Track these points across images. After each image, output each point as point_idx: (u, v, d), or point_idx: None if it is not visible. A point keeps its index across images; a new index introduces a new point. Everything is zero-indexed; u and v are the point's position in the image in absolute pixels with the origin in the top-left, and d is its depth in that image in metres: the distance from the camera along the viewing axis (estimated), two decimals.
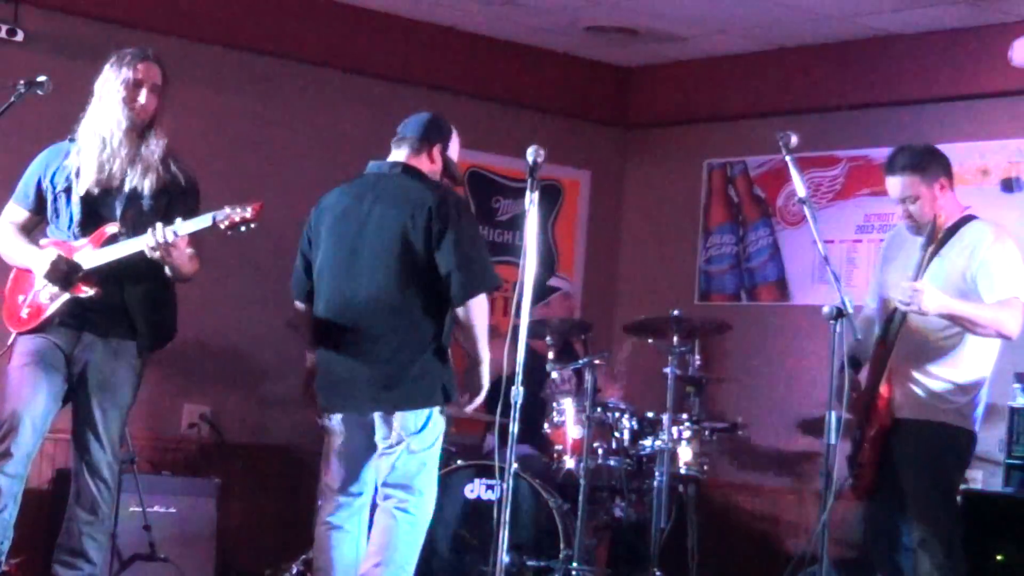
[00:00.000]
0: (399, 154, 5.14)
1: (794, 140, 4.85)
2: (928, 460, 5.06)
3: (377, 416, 4.94)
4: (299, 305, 5.25)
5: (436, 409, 4.96)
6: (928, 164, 5.14)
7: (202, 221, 4.87)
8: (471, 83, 7.94)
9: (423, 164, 5.11)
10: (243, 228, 4.87)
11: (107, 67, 5.06)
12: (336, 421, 5.07)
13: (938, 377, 5.09)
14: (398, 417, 4.90)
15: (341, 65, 7.58)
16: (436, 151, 5.13)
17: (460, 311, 4.90)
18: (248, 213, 4.85)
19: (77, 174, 5.02)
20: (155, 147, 5.03)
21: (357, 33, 7.57)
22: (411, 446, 4.91)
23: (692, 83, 8.26)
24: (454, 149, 5.23)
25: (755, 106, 7.96)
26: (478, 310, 4.89)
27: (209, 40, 7.16)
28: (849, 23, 7.25)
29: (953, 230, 5.13)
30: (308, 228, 5.20)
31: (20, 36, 6.67)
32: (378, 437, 4.96)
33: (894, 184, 5.15)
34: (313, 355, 5.18)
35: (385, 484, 4.96)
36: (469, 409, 5.03)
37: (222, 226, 4.86)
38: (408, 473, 4.93)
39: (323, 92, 7.58)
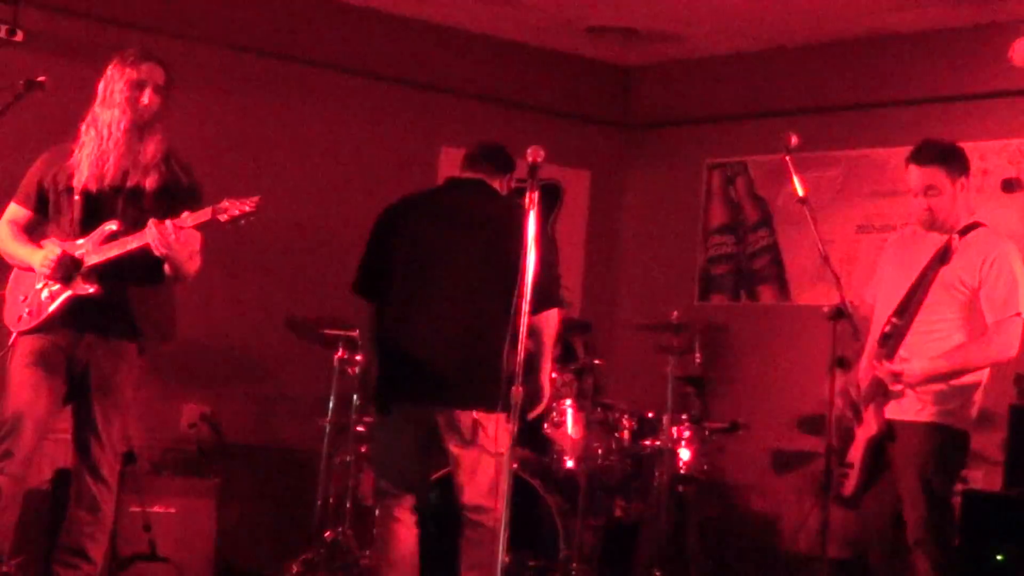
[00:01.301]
0: (475, 174, 5.34)
1: (794, 140, 4.85)
2: (923, 461, 5.06)
3: (449, 414, 5.03)
4: (363, 300, 5.32)
5: (503, 416, 5.01)
6: (956, 160, 5.14)
7: (201, 215, 4.87)
8: (471, 83, 7.94)
9: (497, 187, 5.36)
10: (243, 221, 4.86)
11: (110, 67, 5.06)
12: (397, 416, 5.14)
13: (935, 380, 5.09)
14: (473, 417, 5.01)
15: (341, 65, 7.58)
16: (507, 180, 5.39)
17: (536, 319, 5.00)
18: (248, 206, 4.85)
19: (79, 174, 5.02)
20: (157, 147, 5.04)
21: (357, 33, 7.57)
22: (487, 449, 5.02)
23: (692, 83, 8.26)
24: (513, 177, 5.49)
25: (755, 106, 7.96)
26: (552, 320, 5.10)
27: (209, 40, 7.16)
28: (849, 23, 7.25)
29: (960, 235, 5.11)
30: (381, 230, 5.30)
31: (20, 36, 6.66)
32: (447, 436, 5.05)
33: (920, 174, 5.12)
34: (369, 354, 5.30)
35: (464, 492, 5.08)
36: (531, 416, 5.13)
37: (222, 219, 4.86)
38: (485, 481, 5.05)
39: (323, 92, 7.58)
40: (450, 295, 5.09)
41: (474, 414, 5.01)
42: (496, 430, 5.02)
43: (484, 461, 5.04)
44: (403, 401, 5.14)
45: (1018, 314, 5.04)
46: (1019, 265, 5.10)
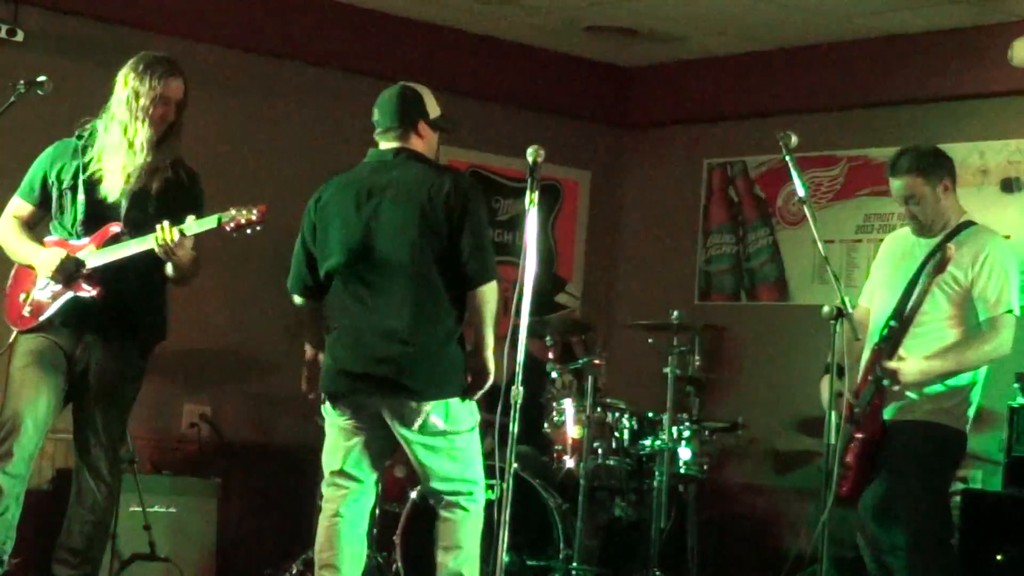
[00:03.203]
0: (391, 142, 5.01)
1: (794, 140, 4.85)
2: (919, 461, 5.06)
3: (399, 405, 4.84)
4: (297, 299, 5.12)
5: (454, 399, 4.87)
6: (932, 166, 5.15)
7: (208, 222, 4.88)
8: (471, 83, 7.93)
9: (417, 145, 5.00)
10: (248, 231, 4.88)
11: (133, 73, 5.00)
12: (344, 407, 4.94)
13: (932, 380, 5.10)
14: (427, 408, 4.82)
15: (341, 65, 7.58)
16: (420, 126, 5.01)
17: (473, 295, 4.85)
18: (254, 215, 4.86)
19: (88, 174, 5.01)
20: (166, 152, 5.03)
21: (357, 33, 7.57)
22: (454, 443, 4.87)
23: (692, 83, 8.26)
24: (432, 105, 5.05)
25: (755, 106, 7.96)
26: (491, 294, 4.85)
27: (209, 40, 7.15)
28: (849, 23, 7.25)
29: (951, 236, 5.13)
30: (309, 220, 5.06)
31: (20, 36, 6.66)
32: (399, 427, 4.86)
33: (898, 185, 5.16)
34: (313, 348, 5.10)
35: (437, 487, 4.91)
36: (475, 396, 4.95)
37: (227, 228, 4.87)
38: (455, 471, 4.90)
39: (323, 92, 7.58)
40: (374, 281, 4.85)
41: (420, 403, 4.80)
42: (445, 412, 4.83)
43: (439, 446, 4.87)
44: (346, 394, 4.92)
45: (1010, 312, 5.05)
46: (1011, 262, 5.11)
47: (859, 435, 5.12)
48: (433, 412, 4.84)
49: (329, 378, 4.98)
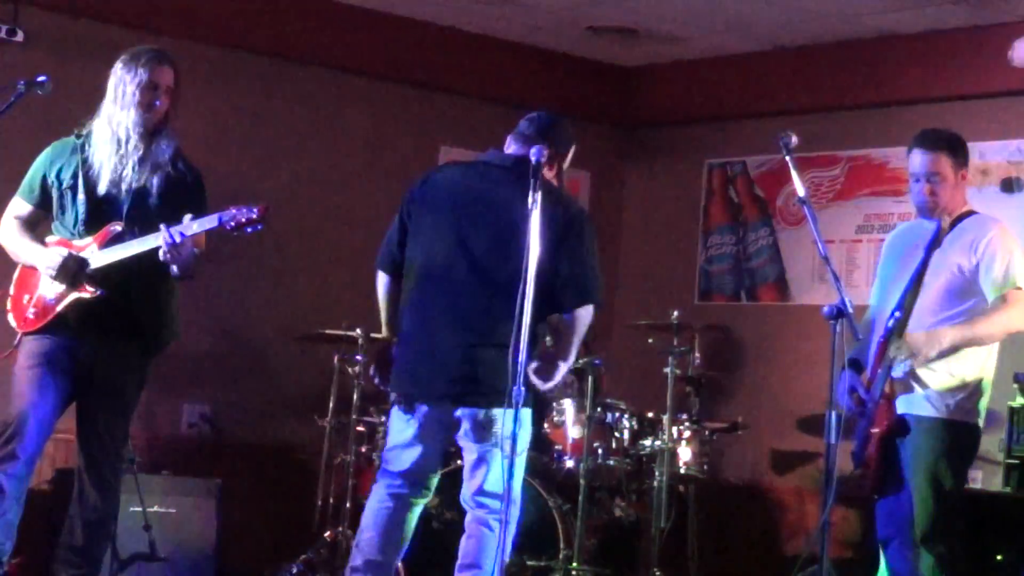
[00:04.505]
0: (520, 145, 4.96)
1: (794, 140, 4.84)
2: (932, 458, 5.05)
3: (469, 412, 4.81)
4: (382, 275, 5.05)
5: (529, 409, 4.82)
6: (960, 150, 5.17)
7: (208, 222, 4.87)
8: (471, 83, 7.94)
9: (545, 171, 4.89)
10: (249, 229, 4.87)
11: (120, 66, 5.03)
12: (412, 411, 4.91)
13: (941, 373, 5.09)
14: (496, 416, 4.77)
15: (341, 65, 7.59)
16: (557, 159, 4.99)
17: (567, 316, 4.87)
18: (254, 214, 4.85)
19: (86, 173, 5.01)
20: (165, 147, 5.03)
21: (357, 33, 7.57)
22: (509, 451, 4.73)
23: (692, 83, 8.26)
24: (570, 156, 5.11)
25: (755, 106, 7.96)
26: (585, 318, 4.90)
27: (209, 40, 7.16)
28: (849, 23, 7.25)
29: (954, 223, 5.14)
30: (410, 199, 4.99)
31: (20, 36, 6.67)
32: (465, 436, 4.84)
33: (924, 159, 5.11)
34: (389, 331, 5.06)
35: (482, 492, 4.84)
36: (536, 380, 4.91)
37: (228, 227, 4.86)
38: (492, 476, 4.82)
39: (323, 92, 7.58)
40: (462, 279, 4.82)
41: (491, 410, 4.76)
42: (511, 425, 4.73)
43: (495, 456, 4.80)
44: (418, 398, 4.89)
45: (1020, 288, 5.04)
46: (1015, 244, 5.11)
47: (875, 430, 5.11)
48: (502, 420, 4.73)
49: (401, 380, 4.97)
